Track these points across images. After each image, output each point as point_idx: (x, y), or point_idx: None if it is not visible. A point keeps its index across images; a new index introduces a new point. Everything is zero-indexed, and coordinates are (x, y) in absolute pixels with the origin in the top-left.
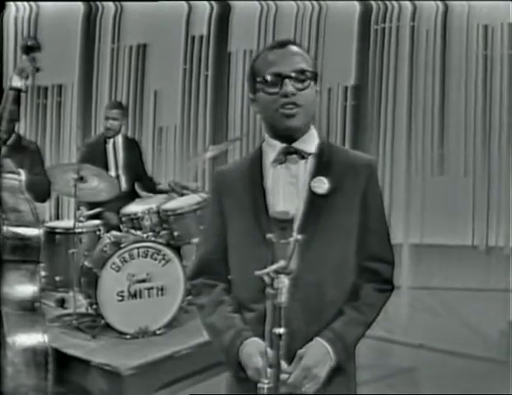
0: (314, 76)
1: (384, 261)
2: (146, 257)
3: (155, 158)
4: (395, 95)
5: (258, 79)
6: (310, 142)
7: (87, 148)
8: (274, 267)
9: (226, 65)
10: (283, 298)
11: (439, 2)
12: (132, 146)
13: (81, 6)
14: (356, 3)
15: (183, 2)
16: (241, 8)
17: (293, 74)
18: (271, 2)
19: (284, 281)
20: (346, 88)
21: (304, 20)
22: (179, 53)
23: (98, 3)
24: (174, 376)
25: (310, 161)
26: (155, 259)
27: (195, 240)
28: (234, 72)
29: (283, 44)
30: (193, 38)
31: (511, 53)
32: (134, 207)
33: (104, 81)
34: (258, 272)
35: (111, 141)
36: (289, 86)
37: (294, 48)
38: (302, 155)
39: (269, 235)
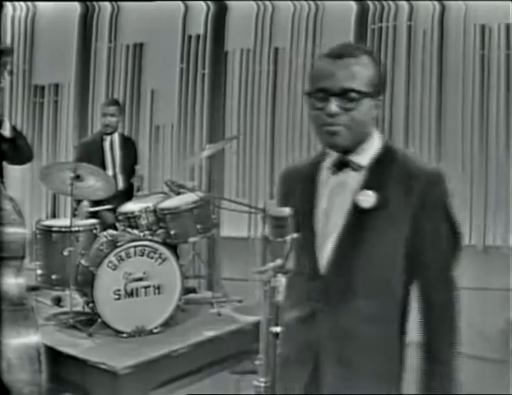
0: (371, 93)
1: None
2: (142, 255)
3: (152, 157)
4: (392, 94)
5: (307, 90)
6: (367, 153)
7: (84, 147)
8: (271, 265)
9: (223, 64)
10: (280, 296)
11: (435, 2)
12: (129, 145)
13: (77, 6)
14: (353, 3)
15: (180, 2)
16: (238, 8)
17: (340, 92)
18: (267, 2)
19: (281, 280)
20: None
21: (301, 20)
22: (176, 52)
23: (95, 3)
24: (171, 375)
25: (363, 173)
26: (152, 258)
27: (192, 239)
28: (230, 70)
29: (339, 55)
30: (190, 37)
31: (508, 54)
32: (131, 206)
33: (100, 80)
34: (254, 270)
35: (108, 139)
36: (333, 106)
37: (350, 61)
38: (354, 168)
39: (265, 233)
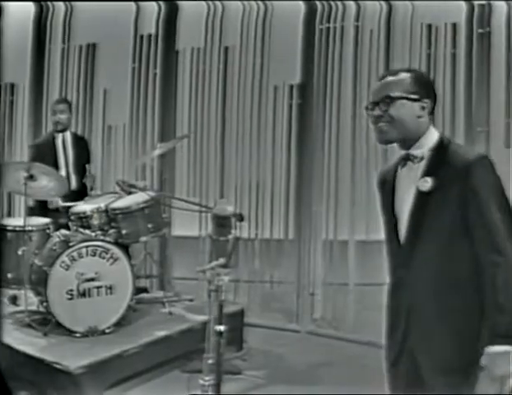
0: (406, 96)
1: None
2: (94, 255)
3: (105, 157)
4: (340, 93)
5: (366, 105)
6: (424, 146)
7: (37, 147)
8: (213, 264)
9: (174, 63)
10: (223, 296)
11: (382, 2)
12: (81, 145)
13: (32, 6)
14: (301, 3)
15: (132, 3)
16: (188, 8)
17: (380, 100)
18: (217, 3)
19: (224, 279)
20: (291, 86)
21: (251, 20)
22: (128, 52)
23: (49, 3)
24: (124, 375)
25: (423, 163)
26: (104, 258)
27: (143, 239)
28: (181, 69)
29: (382, 77)
30: (142, 37)
31: (454, 52)
32: (83, 206)
33: (54, 80)
34: (198, 268)
35: (60, 137)
36: (376, 111)
37: (388, 78)
38: (414, 160)
39: (209, 232)
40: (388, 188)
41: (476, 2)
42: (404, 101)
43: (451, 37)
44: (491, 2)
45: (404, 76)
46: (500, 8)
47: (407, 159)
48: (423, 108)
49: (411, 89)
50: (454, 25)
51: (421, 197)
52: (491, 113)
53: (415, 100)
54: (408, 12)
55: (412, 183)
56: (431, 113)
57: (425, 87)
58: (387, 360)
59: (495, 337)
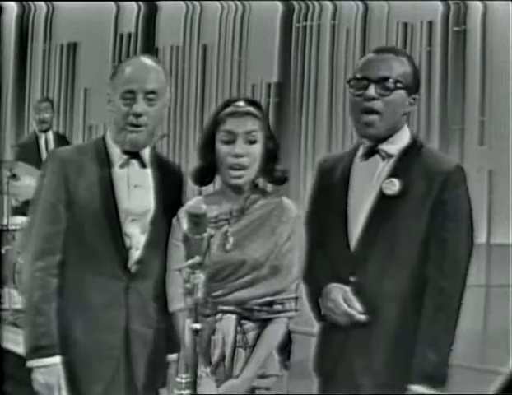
0: (405, 86)
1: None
2: None
3: None
4: (316, 91)
5: (350, 77)
6: (397, 143)
7: (21, 147)
8: (189, 262)
9: None
10: (200, 293)
11: (359, 2)
12: (63, 144)
13: (14, 6)
14: (279, 3)
15: (112, 3)
16: (168, 7)
17: (378, 80)
18: (196, 2)
19: (200, 277)
20: (269, 85)
21: (229, 20)
22: (108, 51)
23: (31, 3)
24: None
25: (391, 162)
26: None
27: None
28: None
29: (381, 50)
30: (122, 35)
31: (430, 50)
32: None
33: (36, 79)
34: (173, 267)
35: (43, 137)
36: (371, 90)
37: (389, 55)
38: (383, 156)
39: (184, 231)
40: (339, 180)
41: (451, 2)
42: (403, 92)
43: (427, 35)
44: (467, 1)
45: (405, 60)
46: (476, 7)
47: (372, 153)
48: (411, 104)
49: (409, 78)
50: (430, 24)
51: (384, 201)
52: (465, 111)
53: (410, 94)
54: (384, 11)
55: (374, 182)
56: None
57: (417, 79)
58: (319, 374)
59: (420, 376)
